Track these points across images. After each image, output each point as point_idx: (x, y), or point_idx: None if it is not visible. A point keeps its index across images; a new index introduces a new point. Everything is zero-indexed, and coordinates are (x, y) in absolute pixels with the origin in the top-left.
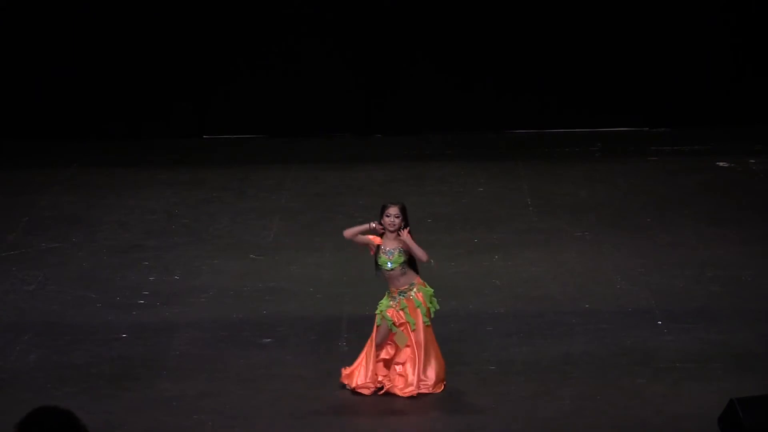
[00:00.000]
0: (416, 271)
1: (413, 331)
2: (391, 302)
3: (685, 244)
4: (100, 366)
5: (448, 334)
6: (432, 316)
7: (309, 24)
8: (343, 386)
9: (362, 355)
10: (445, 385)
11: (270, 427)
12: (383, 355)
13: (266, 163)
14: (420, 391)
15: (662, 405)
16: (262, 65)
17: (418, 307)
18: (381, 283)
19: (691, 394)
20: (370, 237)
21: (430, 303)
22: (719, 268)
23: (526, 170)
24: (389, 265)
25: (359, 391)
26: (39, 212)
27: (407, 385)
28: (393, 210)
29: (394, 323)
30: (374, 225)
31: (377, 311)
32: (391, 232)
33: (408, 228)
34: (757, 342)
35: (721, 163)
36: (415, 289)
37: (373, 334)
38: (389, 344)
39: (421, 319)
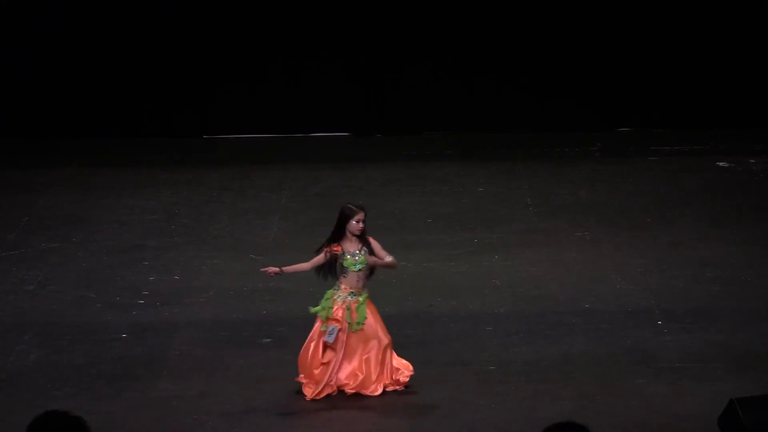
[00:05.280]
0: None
1: (342, 331)
2: (337, 299)
3: (685, 244)
4: (100, 366)
5: (448, 334)
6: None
7: (309, 24)
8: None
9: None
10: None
11: (270, 427)
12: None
13: (266, 163)
14: (332, 391)
15: (662, 405)
16: (262, 65)
17: (356, 311)
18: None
19: (691, 394)
20: (333, 248)
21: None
22: (719, 268)
23: (526, 170)
24: (357, 266)
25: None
26: (39, 212)
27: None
28: (361, 216)
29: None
30: (327, 250)
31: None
32: (357, 236)
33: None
34: (757, 342)
35: (721, 163)
36: (361, 298)
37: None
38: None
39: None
